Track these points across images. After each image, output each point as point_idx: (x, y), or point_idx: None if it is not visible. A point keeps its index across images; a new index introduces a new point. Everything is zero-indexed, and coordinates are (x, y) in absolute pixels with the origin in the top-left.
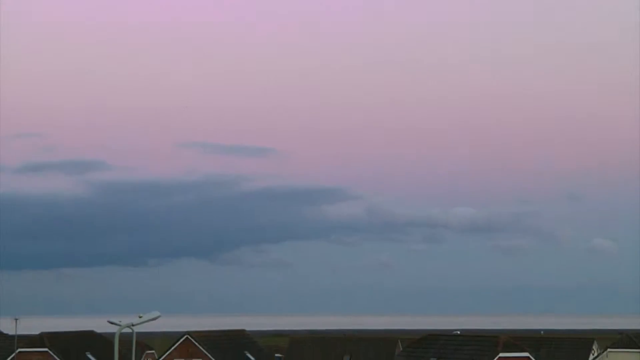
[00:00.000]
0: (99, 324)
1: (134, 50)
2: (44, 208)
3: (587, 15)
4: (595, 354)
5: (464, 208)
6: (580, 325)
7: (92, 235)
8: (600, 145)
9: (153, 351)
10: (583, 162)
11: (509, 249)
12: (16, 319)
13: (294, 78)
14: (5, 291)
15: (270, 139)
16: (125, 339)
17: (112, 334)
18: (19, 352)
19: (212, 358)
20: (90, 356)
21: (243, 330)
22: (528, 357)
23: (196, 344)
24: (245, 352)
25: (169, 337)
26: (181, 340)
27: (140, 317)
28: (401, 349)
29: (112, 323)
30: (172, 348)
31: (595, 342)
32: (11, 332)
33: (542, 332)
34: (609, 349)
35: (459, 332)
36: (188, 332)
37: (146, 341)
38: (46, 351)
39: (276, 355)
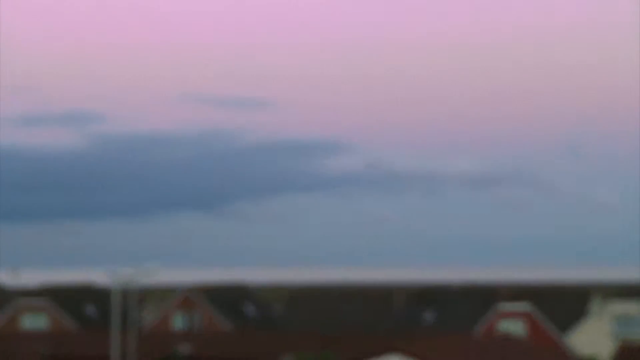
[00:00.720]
0: (99, 277)
1: (132, 0)
2: (42, 161)
3: None
4: (596, 306)
5: (464, 161)
6: (580, 277)
7: (91, 188)
8: (601, 95)
9: (152, 304)
10: (584, 113)
11: (509, 201)
12: (15, 271)
13: (292, 30)
14: (5, 243)
15: (270, 91)
16: (125, 291)
17: (112, 287)
18: (18, 303)
19: (212, 311)
20: (89, 308)
21: (243, 283)
22: (528, 309)
23: (196, 296)
24: (245, 305)
25: (169, 290)
26: (181, 293)
27: (139, 269)
28: (400, 301)
29: (111, 276)
30: (172, 301)
31: (595, 293)
32: (10, 284)
33: (542, 284)
34: (609, 301)
35: (456, 285)
36: (188, 285)
37: (145, 294)
38: (45, 303)
39: (276, 308)
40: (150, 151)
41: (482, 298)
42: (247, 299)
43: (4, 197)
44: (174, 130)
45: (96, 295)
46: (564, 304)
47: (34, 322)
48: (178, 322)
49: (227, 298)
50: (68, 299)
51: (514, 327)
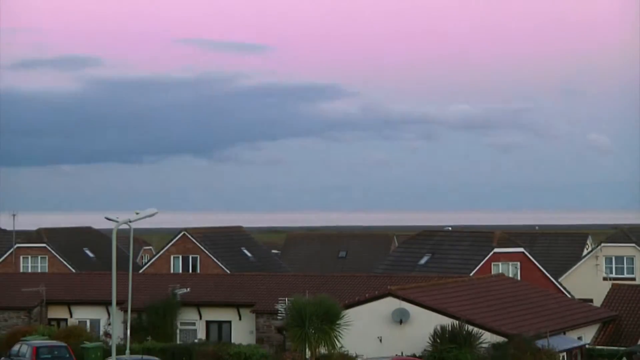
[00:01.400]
0: (96, 220)
1: None
2: (39, 105)
3: None
4: (590, 249)
5: (459, 105)
6: (575, 221)
7: (88, 132)
8: (597, 38)
9: (150, 247)
10: (579, 56)
11: (505, 145)
12: (14, 215)
13: None
14: (3, 187)
15: (267, 35)
16: (123, 235)
17: (110, 230)
18: (17, 247)
19: (209, 254)
20: (87, 252)
21: (240, 227)
22: (523, 252)
23: (193, 240)
24: (242, 248)
25: (166, 234)
26: (178, 236)
27: (137, 213)
28: (397, 245)
29: (109, 219)
30: (170, 244)
31: (589, 237)
32: (9, 228)
33: (536, 227)
34: (603, 244)
35: (450, 228)
36: (185, 229)
37: (143, 237)
38: (44, 246)
39: (273, 251)
40: (147, 95)
41: (477, 241)
42: (244, 242)
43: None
44: (171, 74)
45: (95, 238)
46: (559, 247)
47: (33, 265)
48: (176, 265)
49: (225, 241)
50: (66, 242)
51: (509, 270)
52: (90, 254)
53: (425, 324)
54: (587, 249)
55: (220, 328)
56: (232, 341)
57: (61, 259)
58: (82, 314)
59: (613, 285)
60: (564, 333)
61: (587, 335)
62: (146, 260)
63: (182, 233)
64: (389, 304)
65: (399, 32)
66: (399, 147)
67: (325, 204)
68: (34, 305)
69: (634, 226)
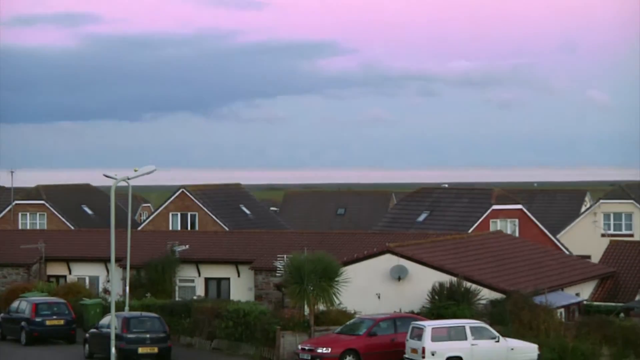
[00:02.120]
0: (94, 177)
1: None
2: (38, 61)
3: None
4: (588, 206)
5: (459, 61)
6: (574, 177)
7: (86, 89)
8: None
9: (149, 204)
10: (578, 12)
11: (504, 101)
12: (12, 172)
13: None
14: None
15: None
16: (121, 192)
17: (108, 187)
18: (16, 204)
19: (207, 211)
20: (86, 209)
21: (238, 184)
22: (521, 209)
23: (192, 197)
24: (241, 205)
25: (165, 191)
26: (177, 193)
27: (135, 170)
28: (395, 202)
29: (107, 177)
30: (168, 201)
31: (588, 194)
32: (7, 185)
33: (535, 184)
34: (601, 200)
35: (447, 185)
36: (184, 186)
37: (142, 195)
38: (42, 203)
39: (271, 208)
40: (145, 52)
41: (475, 198)
42: (243, 200)
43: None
44: (169, 30)
45: (93, 195)
46: (557, 203)
47: (31, 222)
48: (174, 222)
49: (224, 198)
50: (65, 199)
51: (508, 227)
52: (89, 211)
53: (424, 280)
54: (585, 206)
55: (219, 285)
56: (231, 298)
57: (60, 216)
58: (81, 271)
59: (611, 241)
60: (562, 289)
61: (585, 292)
62: (145, 218)
63: (181, 190)
64: (388, 261)
65: None
66: (398, 104)
67: (324, 161)
68: (33, 262)
69: (633, 182)
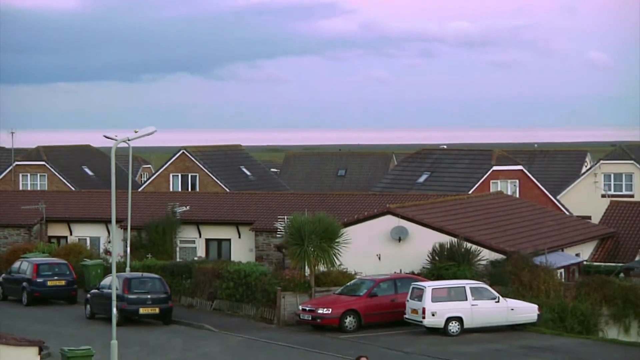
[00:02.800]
0: (95, 138)
1: None
2: (37, 22)
3: None
4: (588, 166)
5: (459, 22)
6: (574, 138)
7: (86, 50)
8: None
9: (150, 165)
10: None
11: (504, 62)
12: (12, 132)
13: None
14: (2, 105)
15: None
16: (122, 153)
17: (109, 149)
18: (16, 164)
19: (208, 172)
20: (86, 170)
21: (239, 145)
22: (521, 170)
23: (192, 158)
24: (241, 167)
25: (165, 152)
26: (177, 154)
27: (136, 131)
28: (395, 163)
29: (108, 138)
30: (169, 162)
31: (588, 155)
32: (8, 146)
33: (535, 145)
34: (601, 161)
35: (445, 147)
36: (184, 147)
37: (142, 156)
38: (43, 164)
39: (272, 170)
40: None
41: (476, 159)
42: (243, 161)
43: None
44: None
45: (94, 156)
46: (558, 164)
47: (32, 183)
48: (175, 183)
49: (224, 160)
50: (65, 160)
51: (508, 188)
52: (90, 172)
53: (424, 241)
54: (585, 167)
55: (219, 246)
56: (232, 259)
57: (60, 177)
58: (82, 232)
59: (611, 202)
60: (562, 250)
61: (585, 252)
62: (145, 179)
63: (181, 151)
64: (388, 222)
65: None
66: (398, 65)
67: (324, 122)
68: (34, 223)
69: (633, 143)
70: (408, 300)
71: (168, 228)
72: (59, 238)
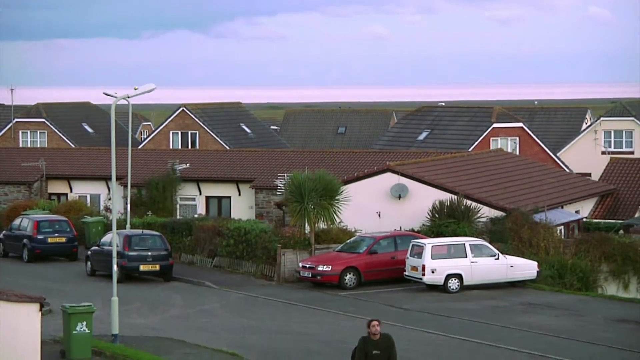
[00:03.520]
0: (94, 95)
1: None
2: None
3: None
4: (589, 123)
5: None
6: (574, 95)
7: (86, 6)
8: None
9: (149, 123)
10: None
11: (505, 18)
12: (12, 89)
13: None
14: (1, 62)
15: None
16: (122, 110)
17: (109, 106)
18: (16, 122)
19: (208, 129)
20: (86, 127)
21: (238, 103)
22: (522, 127)
23: (192, 115)
24: (241, 124)
25: (165, 109)
26: (177, 112)
27: (135, 89)
28: (396, 120)
29: (107, 95)
30: (168, 120)
31: (588, 111)
32: (7, 102)
33: (536, 102)
34: (602, 118)
35: (443, 104)
36: (184, 104)
37: (142, 113)
38: (43, 121)
39: (272, 127)
40: None
41: (476, 116)
42: (243, 118)
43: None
44: None
45: (93, 113)
46: (558, 121)
47: (32, 140)
48: (175, 141)
49: (224, 117)
50: (65, 117)
51: (508, 145)
52: (90, 130)
53: (424, 199)
54: (586, 123)
55: (219, 203)
56: (232, 216)
57: (60, 134)
58: (82, 189)
59: (611, 159)
60: (562, 207)
61: (584, 209)
62: (145, 136)
63: (181, 109)
64: (388, 180)
65: None
66: (397, 22)
67: (324, 79)
68: (34, 180)
69: (634, 100)
70: (408, 258)
71: (168, 185)
72: (59, 195)
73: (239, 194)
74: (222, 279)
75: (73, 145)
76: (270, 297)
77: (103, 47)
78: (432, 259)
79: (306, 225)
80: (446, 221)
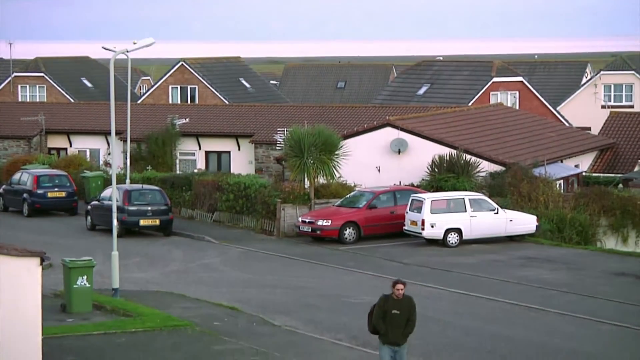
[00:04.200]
0: (93, 50)
1: None
2: None
3: None
4: (589, 77)
5: None
6: (574, 49)
7: None
8: None
9: (149, 77)
10: None
11: None
12: (10, 43)
13: None
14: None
15: None
16: (120, 65)
17: (107, 60)
18: (15, 76)
19: (207, 84)
20: (85, 81)
21: (238, 57)
22: (522, 81)
23: (191, 70)
24: (241, 78)
25: (164, 64)
26: (176, 66)
27: (134, 43)
28: (395, 75)
29: (106, 49)
30: (168, 74)
31: (588, 65)
32: (6, 57)
33: (536, 56)
34: (602, 72)
35: (441, 58)
36: (183, 59)
37: (141, 68)
38: (42, 76)
39: (271, 82)
40: None
41: (476, 71)
42: (243, 73)
43: None
44: None
45: (92, 68)
46: (558, 75)
47: (31, 94)
48: (174, 95)
49: (223, 71)
50: (64, 71)
51: (508, 99)
52: (89, 84)
53: (423, 153)
54: (586, 77)
55: (219, 158)
56: (232, 171)
57: (59, 88)
58: (82, 144)
59: (611, 113)
60: (562, 161)
61: (584, 163)
62: (144, 91)
63: (180, 63)
64: (388, 134)
65: None
66: None
67: (323, 34)
68: (34, 135)
69: (634, 53)
70: (407, 212)
71: (168, 140)
72: (58, 150)
73: (239, 149)
74: (221, 233)
75: (72, 100)
76: (269, 252)
77: (102, 0)
78: (432, 213)
79: (306, 180)
80: (445, 176)
